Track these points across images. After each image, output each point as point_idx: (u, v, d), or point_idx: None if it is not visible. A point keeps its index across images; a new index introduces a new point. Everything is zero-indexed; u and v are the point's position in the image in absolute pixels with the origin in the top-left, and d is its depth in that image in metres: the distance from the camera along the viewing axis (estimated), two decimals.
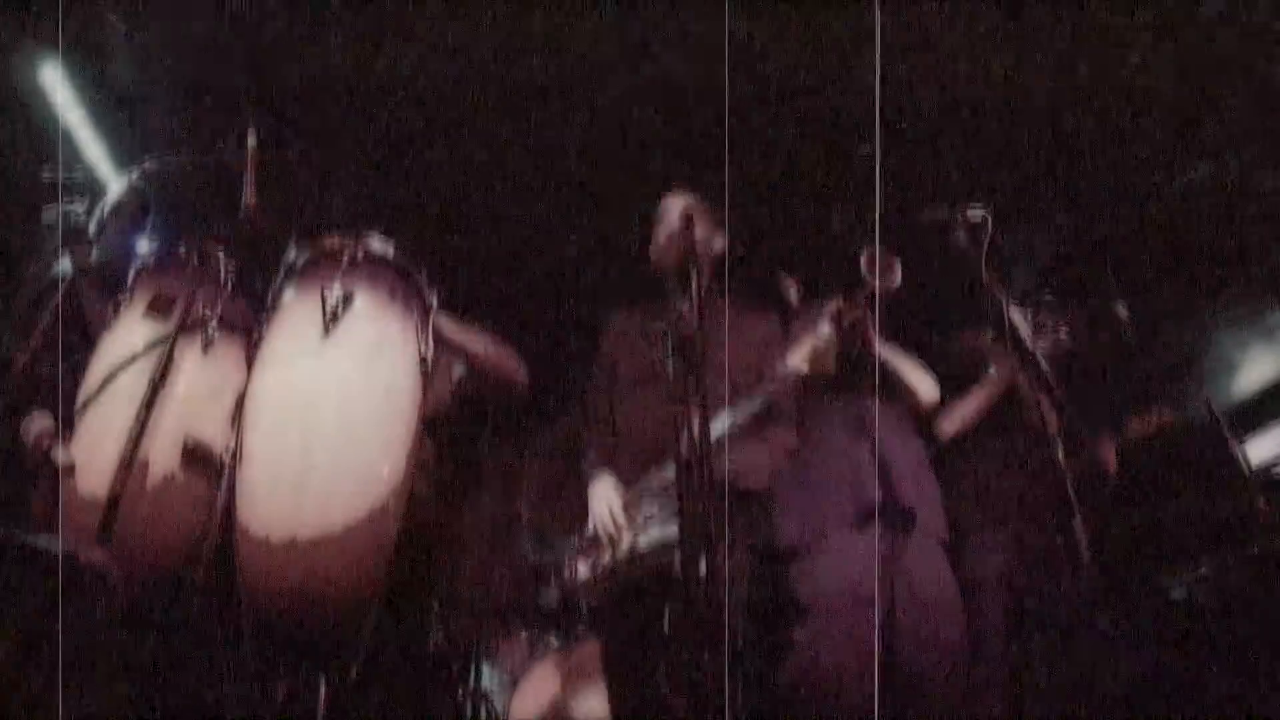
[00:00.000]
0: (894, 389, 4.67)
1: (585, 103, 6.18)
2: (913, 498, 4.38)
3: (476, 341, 4.42)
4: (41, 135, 5.95)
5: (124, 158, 6.19)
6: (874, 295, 4.28)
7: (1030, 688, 4.92)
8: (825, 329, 4.28)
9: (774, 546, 4.46)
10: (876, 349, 4.58)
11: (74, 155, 6.04)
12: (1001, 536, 5.21)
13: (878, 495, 4.34)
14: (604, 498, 4.03)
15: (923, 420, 4.77)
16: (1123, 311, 4.67)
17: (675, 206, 4.39)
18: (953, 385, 5.16)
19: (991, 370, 5.09)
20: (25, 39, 5.52)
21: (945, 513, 4.64)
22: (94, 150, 6.04)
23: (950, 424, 5.03)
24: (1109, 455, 5.35)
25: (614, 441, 4.29)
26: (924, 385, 4.66)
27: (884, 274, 4.26)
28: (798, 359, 4.14)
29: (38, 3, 5.36)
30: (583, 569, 3.84)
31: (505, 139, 6.57)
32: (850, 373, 4.67)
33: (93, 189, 5.91)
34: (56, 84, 5.69)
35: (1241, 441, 5.02)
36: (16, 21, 5.45)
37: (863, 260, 4.28)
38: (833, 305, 4.44)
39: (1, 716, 2.06)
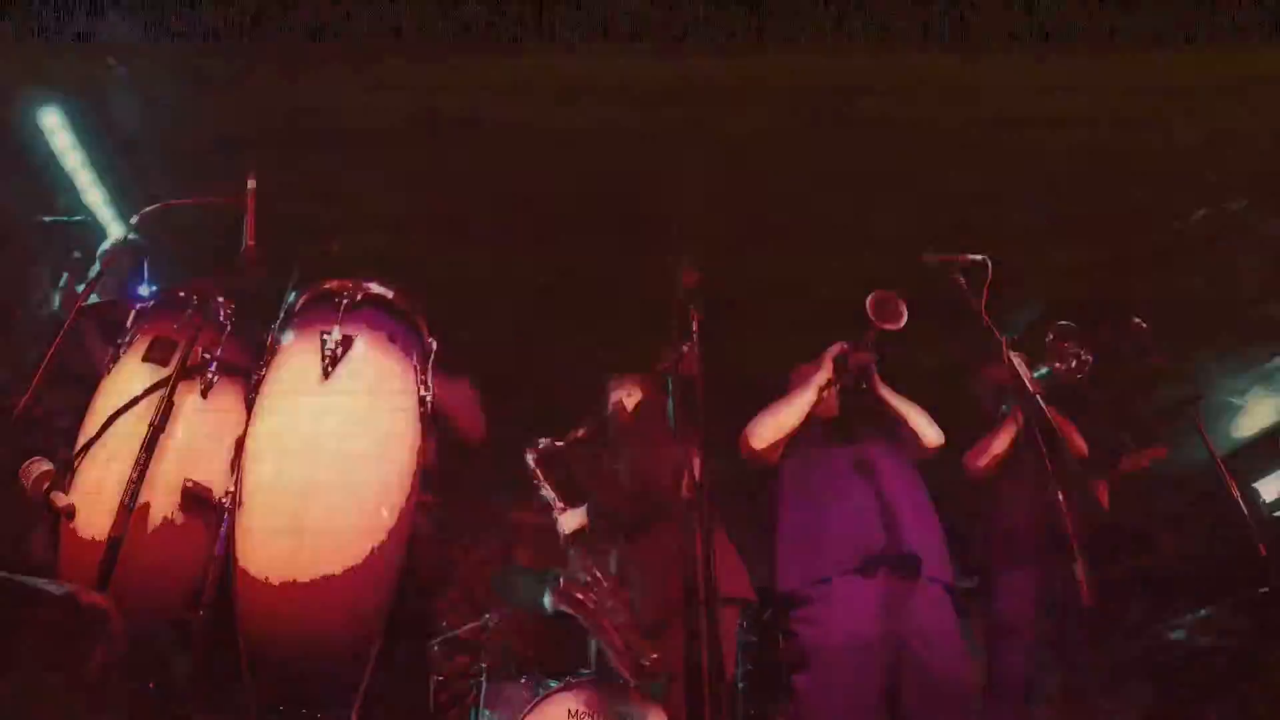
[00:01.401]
0: (898, 434, 4.69)
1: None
2: (917, 543, 4.37)
3: (455, 399, 4.46)
4: (41, 179, 5.96)
5: (124, 202, 6.20)
6: (879, 336, 4.35)
7: None
8: (827, 370, 4.41)
9: (776, 593, 4.47)
10: (881, 391, 4.64)
11: (74, 200, 6.05)
12: (1019, 579, 5.23)
13: (882, 539, 4.36)
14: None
15: (925, 465, 4.78)
16: (1141, 325, 4.67)
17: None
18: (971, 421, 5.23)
19: (1006, 408, 5.12)
20: (26, 82, 5.54)
21: (951, 557, 4.64)
22: (93, 195, 6.05)
23: (980, 459, 5.06)
24: (1102, 494, 5.36)
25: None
26: (928, 430, 4.68)
27: (890, 317, 4.32)
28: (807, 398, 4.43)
29: (39, 46, 5.38)
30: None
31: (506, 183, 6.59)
32: (852, 417, 4.71)
33: (92, 233, 5.94)
34: (57, 128, 5.70)
35: (1241, 483, 5.02)
36: (17, 65, 5.47)
37: (869, 303, 4.33)
38: (836, 348, 4.51)
39: None
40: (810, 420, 4.62)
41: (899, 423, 4.67)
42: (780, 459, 4.67)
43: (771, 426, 4.63)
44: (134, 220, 3.90)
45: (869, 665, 4.12)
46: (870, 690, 4.11)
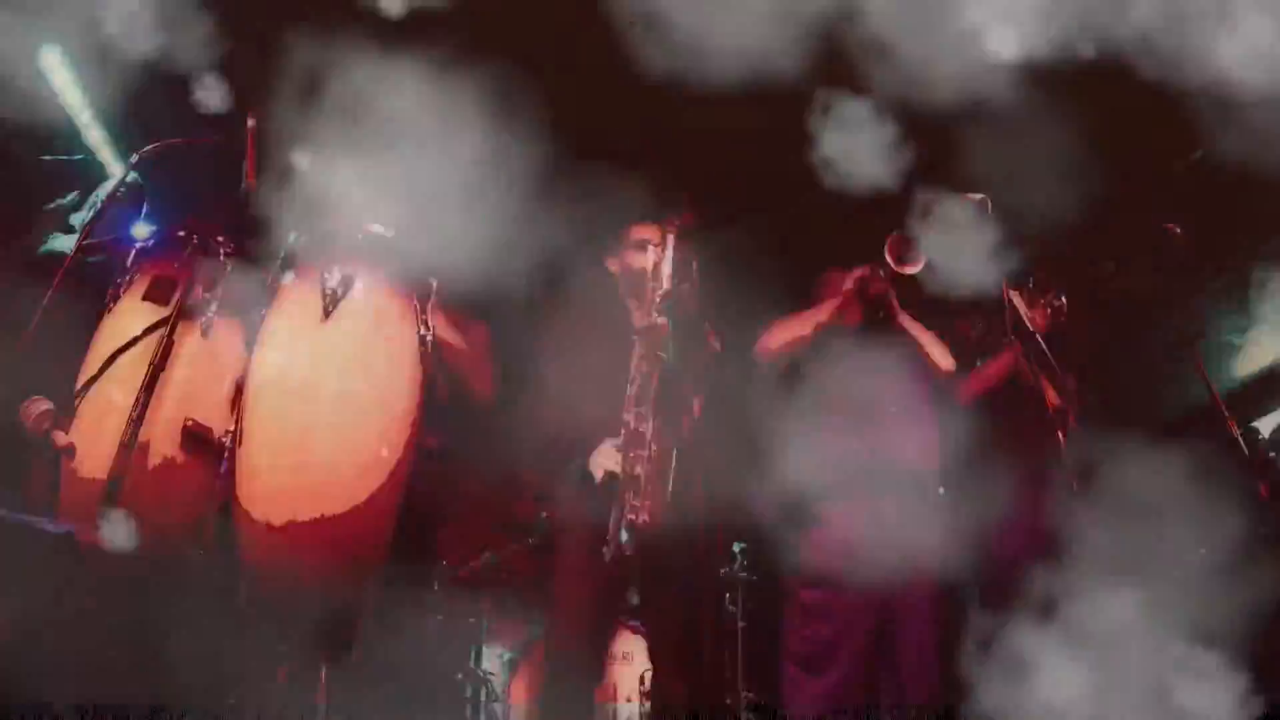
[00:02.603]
0: (911, 357, 4.76)
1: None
2: (923, 461, 4.46)
3: (460, 344, 4.45)
4: (41, 119, 5.93)
5: (123, 141, 6.18)
6: (895, 277, 4.42)
7: None
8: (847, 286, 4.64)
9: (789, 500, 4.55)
10: (900, 318, 4.81)
11: (74, 139, 6.03)
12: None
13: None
14: (600, 452, 3.95)
15: (937, 387, 4.84)
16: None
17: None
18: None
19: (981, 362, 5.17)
20: (24, 23, 5.50)
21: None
22: (94, 134, 6.02)
23: (974, 385, 5.13)
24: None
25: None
26: (942, 356, 4.76)
27: (909, 259, 4.38)
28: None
29: None
30: (625, 535, 3.78)
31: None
32: (872, 334, 4.79)
33: (92, 173, 5.92)
34: (56, 68, 5.67)
35: (1242, 423, 5.02)
36: (16, 5, 5.43)
37: (888, 244, 4.39)
38: (858, 271, 4.58)
39: (3, 694, 2.07)
40: (829, 335, 4.70)
41: (916, 348, 4.74)
42: (794, 370, 4.75)
43: (782, 333, 4.76)
44: (133, 159, 3.88)
45: (871, 585, 4.22)
46: (871, 608, 4.30)
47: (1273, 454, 5.97)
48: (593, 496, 3.87)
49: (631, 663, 5.84)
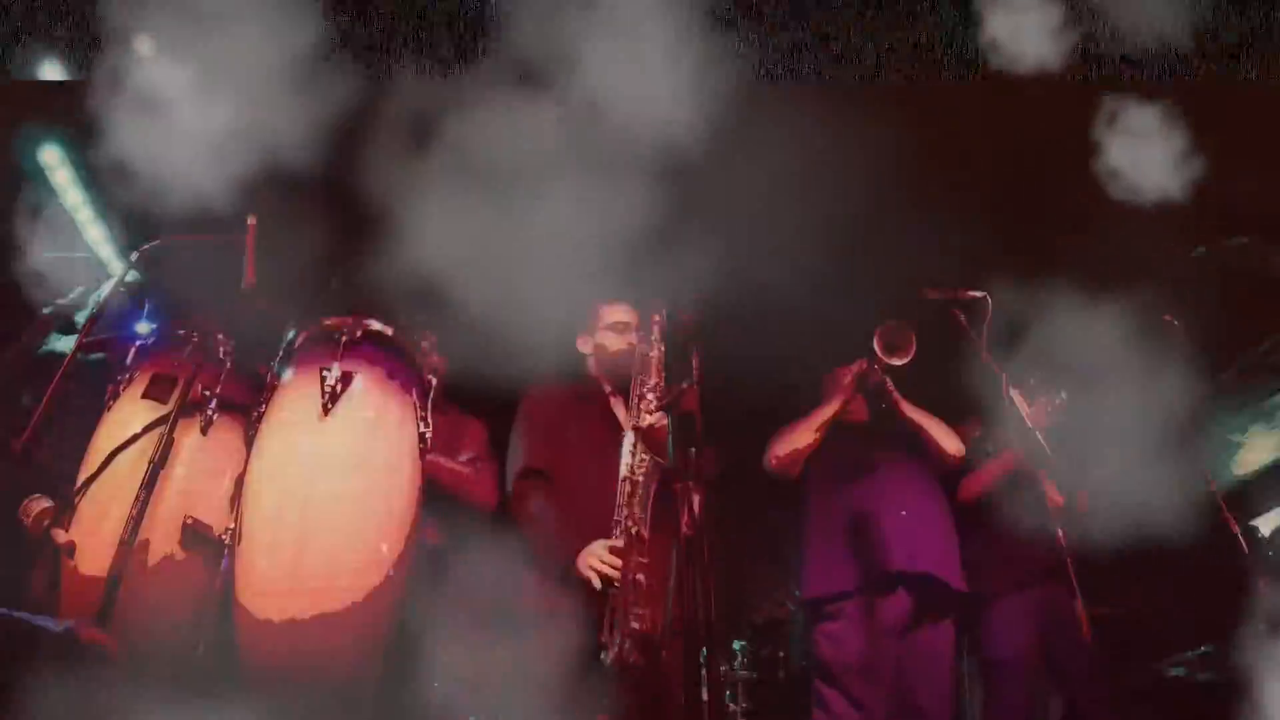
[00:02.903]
0: (921, 447, 4.79)
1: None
2: (935, 563, 4.48)
3: (451, 470, 4.46)
4: (41, 215, 5.97)
5: (124, 238, 6.21)
6: (887, 368, 4.47)
7: None
8: (845, 389, 4.75)
9: (801, 600, 4.58)
10: (901, 406, 4.88)
11: (74, 236, 6.06)
12: (1017, 613, 5.25)
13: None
14: (594, 554, 3.84)
15: (947, 479, 4.87)
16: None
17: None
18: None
19: (990, 449, 5.18)
20: (26, 118, 5.57)
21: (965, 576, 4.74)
22: (94, 231, 6.06)
23: (973, 486, 5.15)
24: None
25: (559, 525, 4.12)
26: (950, 441, 4.79)
27: (898, 351, 4.44)
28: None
29: (40, 80, 5.40)
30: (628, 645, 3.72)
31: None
32: (877, 431, 4.82)
33: (93, 271, 5.95)
34: (57, 164, 5.73)
35: (1241, 521, 5.03)
36: (18, 100, 5.49)
37: (877, 337, 4.45)
38: (857, 365, 4.63)
39: None
40: (837, 431, 4.74)
41: (920, 436, 4.77)
42: (805, 471, 4.78)
43: (789, 443, 4.78)
44: (134, 257, 3.91)
45: (881, 679, 4.25)
46: (883, 701, 4.35)
47: (1272, 552, 5.98)
48: (581, 599, 3.82)
49: None
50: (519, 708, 3.73)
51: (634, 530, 3.76)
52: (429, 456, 3.97)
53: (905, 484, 4.70)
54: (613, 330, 4.50)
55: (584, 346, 4.66)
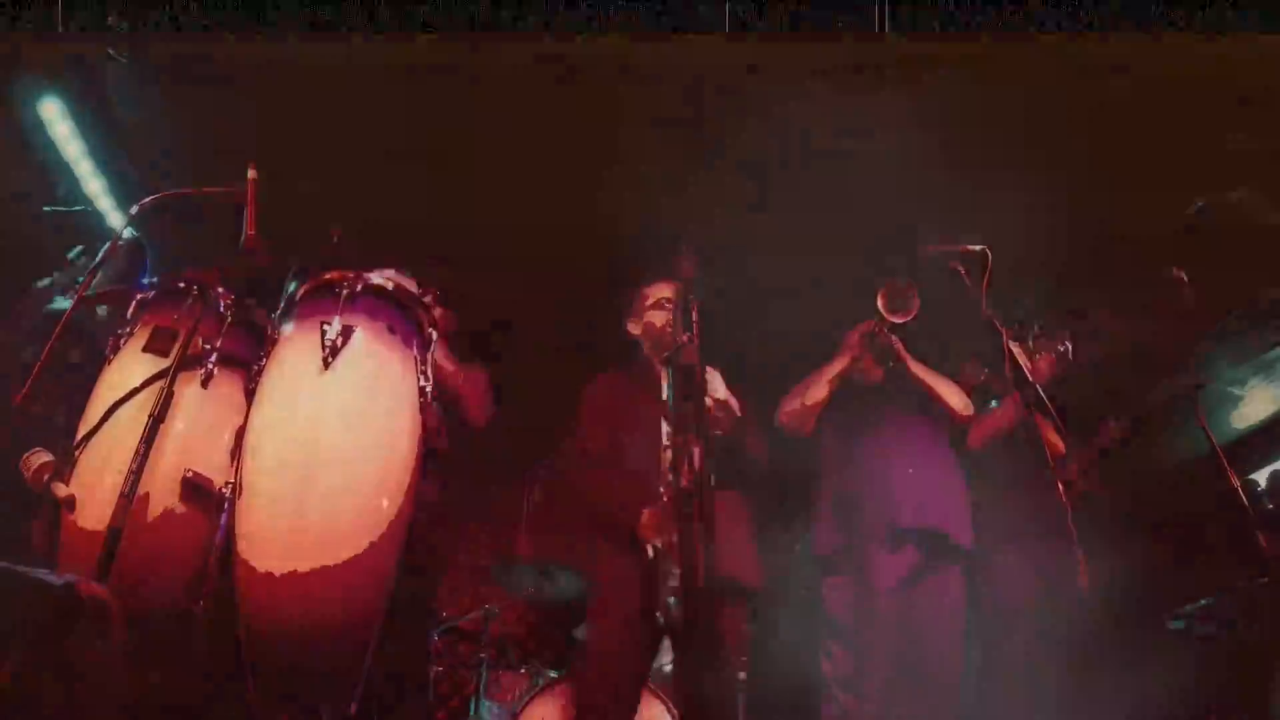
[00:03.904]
0: (929, 404, 4.80)
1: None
2: (944, 519, 4.48)
3: (456, 370, 4.51)
4: (41, 170, 5.94)
5: (124, 192, 6.19)
6: (892, 326, 4.46)
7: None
8: (853, 348, 4.79)
9: (812, 556, 4.60)
10: (911, 366, 4.87)
11: (74, 189, 6.04)
12: (1019, 563, 5.27)
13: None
14: (643, 523, 3.96)
15: (955, 435, 4.87)
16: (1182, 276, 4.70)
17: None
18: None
19: (994, 404, 5.18)
20: (25, 71, 5.53)
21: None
22: (94, 184, 6.04)
23: (980, 433, 5.18)
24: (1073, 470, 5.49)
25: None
26: (957, 399, 4.80)
27: (901, 309, 4.44)
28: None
29: (38, 35, 5.36)
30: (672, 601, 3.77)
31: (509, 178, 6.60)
32: (889, 390, 4.83)
33: (93, 224, 5.93)
34: (57, 117, 5.69)
35: (1242, 474, 5.03)
36: (17, 54, 5.45)
37: (880, 295, 4.44)
38: (865, 325, 4.64)
39: None
40: (847, 391, 4.76)
41: (929, 395, 4.78)
42: (817, 429, 4.79)
43: (796, 403, 4.77)
44: (133, 210, 3.88)
45: (891, 631, 4.30)
46: (892, 654, 4.35)
47: (1271, 506, 5.98)
48: (640, 564, 3.90)
49: None
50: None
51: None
52: (437, 356, 4.03)
53: (914, 442, 4.71)
54: (657, 308, 4.57)
55: (634, 329, 4.75)
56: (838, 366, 4.82)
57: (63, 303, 4.91)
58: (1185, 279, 4.46)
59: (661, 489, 3.79)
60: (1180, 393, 4.84)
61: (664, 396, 3.88)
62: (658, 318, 4.56)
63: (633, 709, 4.06)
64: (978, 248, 4.20)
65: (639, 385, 4.48)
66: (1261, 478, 6.61)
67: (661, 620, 3.68)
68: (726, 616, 4.03)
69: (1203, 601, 4.93)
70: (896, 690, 4.33)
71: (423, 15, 5.08)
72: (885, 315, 4.51)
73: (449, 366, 4.53)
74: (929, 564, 4.50)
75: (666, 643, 4.44)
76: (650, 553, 3.84)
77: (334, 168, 6.12)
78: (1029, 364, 4.34)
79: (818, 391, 4.81)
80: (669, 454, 3.83)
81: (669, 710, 5.27)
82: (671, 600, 3.62)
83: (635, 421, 4.28)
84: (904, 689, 4.32)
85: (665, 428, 3.86)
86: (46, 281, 4.80)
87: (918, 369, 4.84)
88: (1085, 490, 4.94)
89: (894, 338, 4.74)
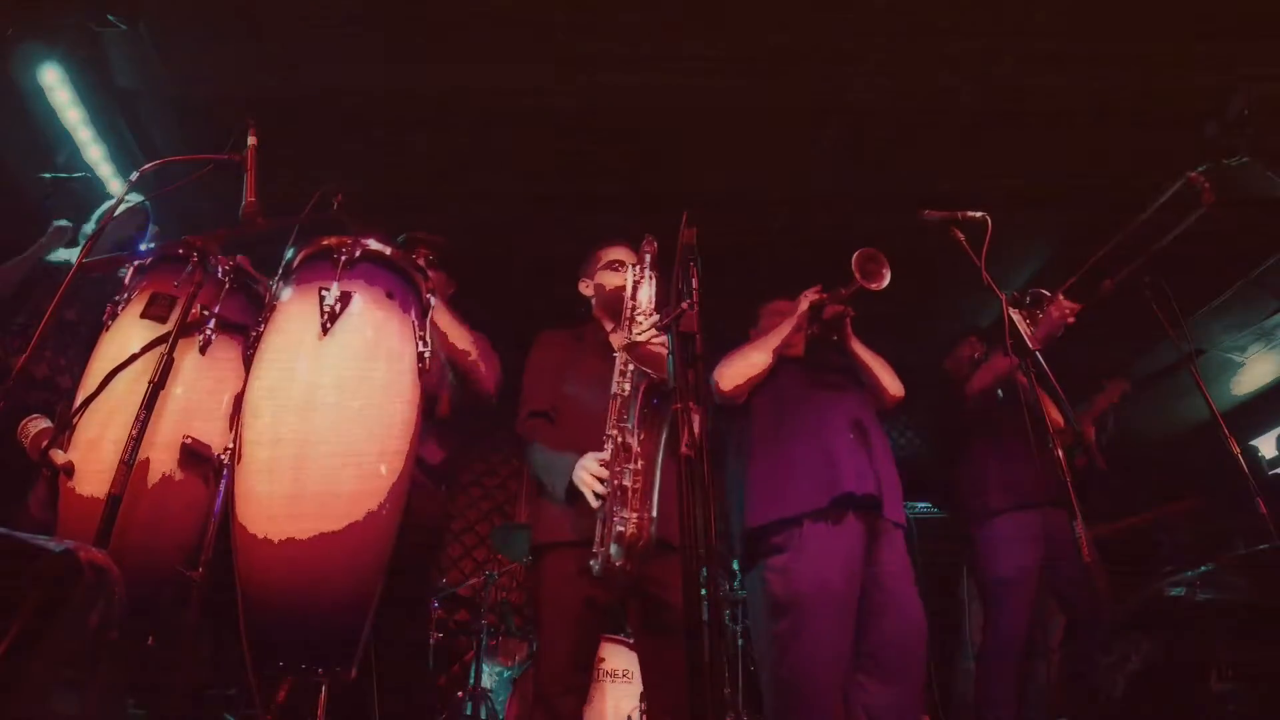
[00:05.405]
0: (855, 378, 4.77)
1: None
2: (881, 485, 4.41)
3: (464, 338, 4.51)
4: (41, 136, 5.94)
5: (124, 158, 6.19)
6: (860, 293, 4.41)
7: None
8: (800, 316, 4.68)
9: (745, 529, 4.50)
10: (851, 343, 4.82)
11: (74, 156, 6.04)
12: (1019, 533, 5.30)
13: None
14: (586, 469, 3.91)
15: (884, 414, 4.82)
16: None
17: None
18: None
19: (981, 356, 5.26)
20: (26, 38, 5.51)
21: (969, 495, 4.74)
22: (94, 151, 6.03)
23: (983, 377, 5.22)
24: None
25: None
26: (892, 382, 4.77)
27: (874, 276, 4.39)
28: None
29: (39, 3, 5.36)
30: (614, 549, 3.75)
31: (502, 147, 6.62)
32: (824, 361, 4.80)
33: (92, 190, 5.93)
34: (57, 84, 5.68)
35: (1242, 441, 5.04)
36: (17, 20, 5.44)
37: (855, 259, 4.38)
38: (811, 293, 4.60)
39: None
40: (782, 361, 4.71)
41: (864, 372, 4.75)
42: (750, 399, 4.73)
43: (740, 368, 4.71)
44: (134, 177, 3.88)
45: (843, 610, 4.18)
46: (845, 633, 4.20)
47: (1274, 471, 6.00)
48: (578, 512, 3.90)
49: (631, 681, 5.84)
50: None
51: (620, 440, 3.78)
52: (444, 321, 4.02)
53: (851, 411, 4.62)
54: (609, 269, 4.64)
55: (585, 289, 4.80)
56: (783, 332, 4.72)
57: (64, 254, 4.92)
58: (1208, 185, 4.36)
59: (609, 436, 3.82)
60: (1180, 360, 4.85)
61: (614, 352, 3.96)
62: (609, 279, 4.61)
63: (588, 665, 4.08)
64: (977, 214, 4.18)
65: (585, 342, 4.56)
66: (1262, 444, 6.65)
67: (596, 567, 3.70)
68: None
69: (1203, 568, 4.94)
70: (861, 661, 4.25)
71: None
72: (860, 282, 4.43)
73: (458, 330, 4.53)
74: (873, 531, 4.39)
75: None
76: (594, 502, 3.83)
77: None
78: (1028, 331, 4.31)
79: (761, 358, 4.72)
80: (617, 402, 3.87)
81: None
82: (614, 549, 3.64)
83: (579, 375, 4.35)
84: (867, 659, 4.25)
85: (615, 378, 3.91)
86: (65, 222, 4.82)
87: (856, 345, 4.78)
88: (1089, 452, 4.93)
89: (845, 309, 4.67)
